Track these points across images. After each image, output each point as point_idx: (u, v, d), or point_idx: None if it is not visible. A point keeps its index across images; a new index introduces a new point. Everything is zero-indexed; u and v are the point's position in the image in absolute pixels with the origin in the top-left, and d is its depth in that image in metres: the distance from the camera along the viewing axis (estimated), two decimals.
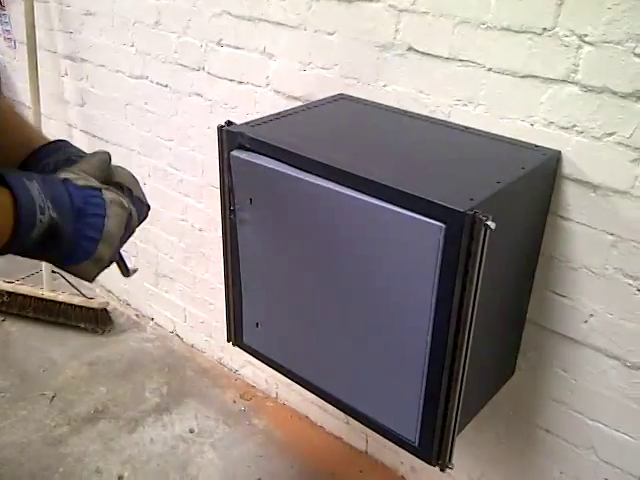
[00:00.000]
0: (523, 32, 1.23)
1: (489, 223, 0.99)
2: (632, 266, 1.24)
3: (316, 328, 1.31)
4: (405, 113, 1.43)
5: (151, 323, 2.56)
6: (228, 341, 1.53)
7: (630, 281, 1.25)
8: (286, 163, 1.20)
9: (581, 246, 1.29)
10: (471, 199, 1.02)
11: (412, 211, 1.05)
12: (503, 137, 1.31)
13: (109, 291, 2.73)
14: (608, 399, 1.35)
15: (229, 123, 1.31)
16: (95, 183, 0.80)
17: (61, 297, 2.50)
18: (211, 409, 2.12)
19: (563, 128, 1.23)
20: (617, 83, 1.15)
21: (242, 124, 1.33)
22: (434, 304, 1.08)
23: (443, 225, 1.02)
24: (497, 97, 1.30)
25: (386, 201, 1.08)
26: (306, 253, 1.25)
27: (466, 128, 1.35)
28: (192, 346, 2.42)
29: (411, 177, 1.11)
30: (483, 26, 1.28)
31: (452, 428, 1.18)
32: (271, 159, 1.22)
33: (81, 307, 2.48)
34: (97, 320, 2.49)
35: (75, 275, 0.80)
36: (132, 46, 2.07)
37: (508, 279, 1.28)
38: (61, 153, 0.92)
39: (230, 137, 1.29)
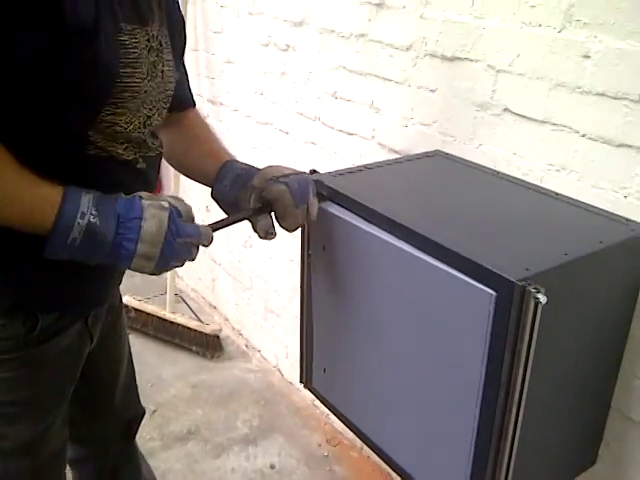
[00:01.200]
0: (619, 98, 1.16)
1: (539, 296, 0.93)
2: None
3: (374, 382, 1.29)
4: (497, 174, 1.39)
5: (257, 355, 2.65)
6: (300, 382, 1.55)
7: None
8: (356, 214, 1.22)
9: None
10: (527, 269, 0.97)
11: (468, 275, 1.02)
12: (593, 207, 1.22)
13: (226, 319, 2.87)
14: None
15: (313, 171, 1.36)
16: (142, 193, 0.95)
17: (179, 319, 2.67)
18: (296, 449, 2.14)
19: None
20: None
21: (326, 173, 1.37)
22: (483, 375, 1.03)
23: (494, 293, 0.98)
24: (590, 165, 1.23)
25: (444, 262, 1.05)
26: (367, 306, 1.25)
27: (557, 195, 1.28)
28: (290, 383, 2.46)
29: (476, 241, 1.08)
30: (579, 90, 1.22)
31: None
32: (344, 209, 1.25)
33: (196, 331, 2.64)
34: (208, 345, 2.63)
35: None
36: (261, 94, 2.21)
37: (583, 360, 1.18)
38: (229, 173, 1.17)
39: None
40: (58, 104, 0.91)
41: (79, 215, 0.87)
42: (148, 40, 0.99)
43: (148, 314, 2.69)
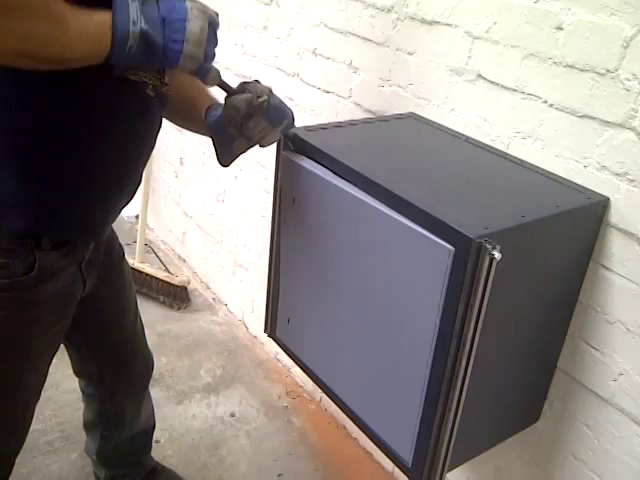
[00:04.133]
0: (586, 71, 1.19)
1: (495, 253, 0.98)
2: None
3: (336, 332, 1.34)
4: (467, 139, 1.43)
5: (224, 308, 2.69)
6: (264, 331, 1.59)
7: None
8: (326, 167, 1.25)
9: (619, 300, 1.23)
10: (485, 227, 1.02)
11: (428, 230, 1.06)
12: (555, 175, 1.27)
13: (194, 272, 2.89)
14: (629, 467, 1.27)
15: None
16: None
17: (148, 269, 2.69)
18: (256, 399, 2.20)
19: (615, 174, 1.19)
20: None
21: (301, 127, 1.39)
22: (438, 326, 1.08)
23: (453, 248, 1.02)
24: (555, 134, 1.27)
25: (407, 217, 1.10)
26: (334, 258, 1.29)
27: (521, 162, 1.33)
28: (255, 337, 2.51)
29: (439, 199, 1.12)
30: (549, 61, 1.26)
31: (443, 457, 1.17)
32: (314, 162, 1.27)
33: (164, 281, 2.66)
34: (175, 296, 2.66)
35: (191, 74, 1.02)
36: (242, 47, 2.20)
37: (534, 320, 1.24)
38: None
39: (287, 137, 1.35)
40: None
41: (131, 24, 0.91)
42: None
43: None
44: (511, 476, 1.51)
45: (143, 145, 1.18)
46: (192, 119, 1.29)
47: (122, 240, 2.71)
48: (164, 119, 1.34)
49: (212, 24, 0.99)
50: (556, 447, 1.41)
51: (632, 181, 1.16)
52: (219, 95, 1.21)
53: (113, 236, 1.38)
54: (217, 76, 1.07)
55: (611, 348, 1.26)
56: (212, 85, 1.09)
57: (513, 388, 1.31)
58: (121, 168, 1.15)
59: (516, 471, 1.50)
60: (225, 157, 1.25)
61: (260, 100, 1.14)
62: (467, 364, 1.09)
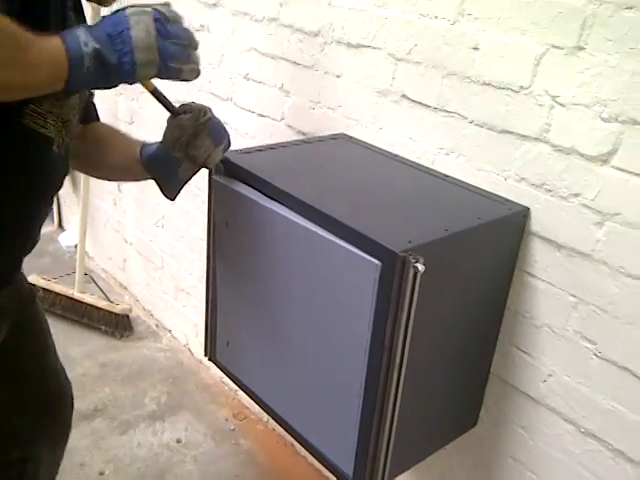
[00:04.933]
0: (502, 88, 1.26)
1: (418, 266, 1.01)
2: (591, 330, 1.22)
3: (273, 352, 1.35)
4: (395, 157, 1.48)
5: (168, 335, 2.66)
6: (205, 355, 1.59)
7: (588, 345, 1.23)
8: (256, 190, 1.27)
9: (544, 304, 1.28)
10: (409, 241, 1.05)
11: (356, 246, 1.09)
12: (477, 188, 1.33)
13: (137, 299, 2.85)
14: (562, 464, 1.32)
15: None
16: (125, 8, 0.96)
17: (88, 299, 2.64)
18: (203, 424, 2.18)
19: (533, 185, 1.25)
20: (584, 145, 1.16)
21: (233, 150, 1.40)
22: (369, 341, 1.11)
23: (380, 263, 1.05)
24: (476, 149, 1.33)
25: (335, 234, 1.12)
26: (268, 279, 1.30)
27: (446, 177, 1.38)
28: (200, 361, 2.49)
29: (366, 216, 1.15)
30: (467, 80, 1.32)
31: (382, 466, 1.19)
32: (245, 185, 1.29)
33: (105, 310, 2.62)
34: (117, 325, 2.62)
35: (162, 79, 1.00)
36: None
37: (464, 328, 1.28)
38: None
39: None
40: None
41: (83, 45, 0.91)
42: None
43: (56, 294, 2.64)
44: None
45: (44, 204, 1.15)
46: (125, 166, 1.28)
47: (61, 270, 2.68)
48: (98, 178, 1.35)
49: (158, 20, 0.95)
50: (494, 450, 1.45)
51: (549, 191, 1.22)
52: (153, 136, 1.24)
53: (21, 279, 1.27)
54: (196, 71, 1.04)
55: (539, 351, 1.31)
56: (192, 79, 1.04)
57: (449, 395, 1.35)
58: (19, 225, 1.11)
59: (458, 476, 1.54)
60: (171, 188, 1.27)
61: (205, 117, 1.18)
62: (399, 376, 1.11)
